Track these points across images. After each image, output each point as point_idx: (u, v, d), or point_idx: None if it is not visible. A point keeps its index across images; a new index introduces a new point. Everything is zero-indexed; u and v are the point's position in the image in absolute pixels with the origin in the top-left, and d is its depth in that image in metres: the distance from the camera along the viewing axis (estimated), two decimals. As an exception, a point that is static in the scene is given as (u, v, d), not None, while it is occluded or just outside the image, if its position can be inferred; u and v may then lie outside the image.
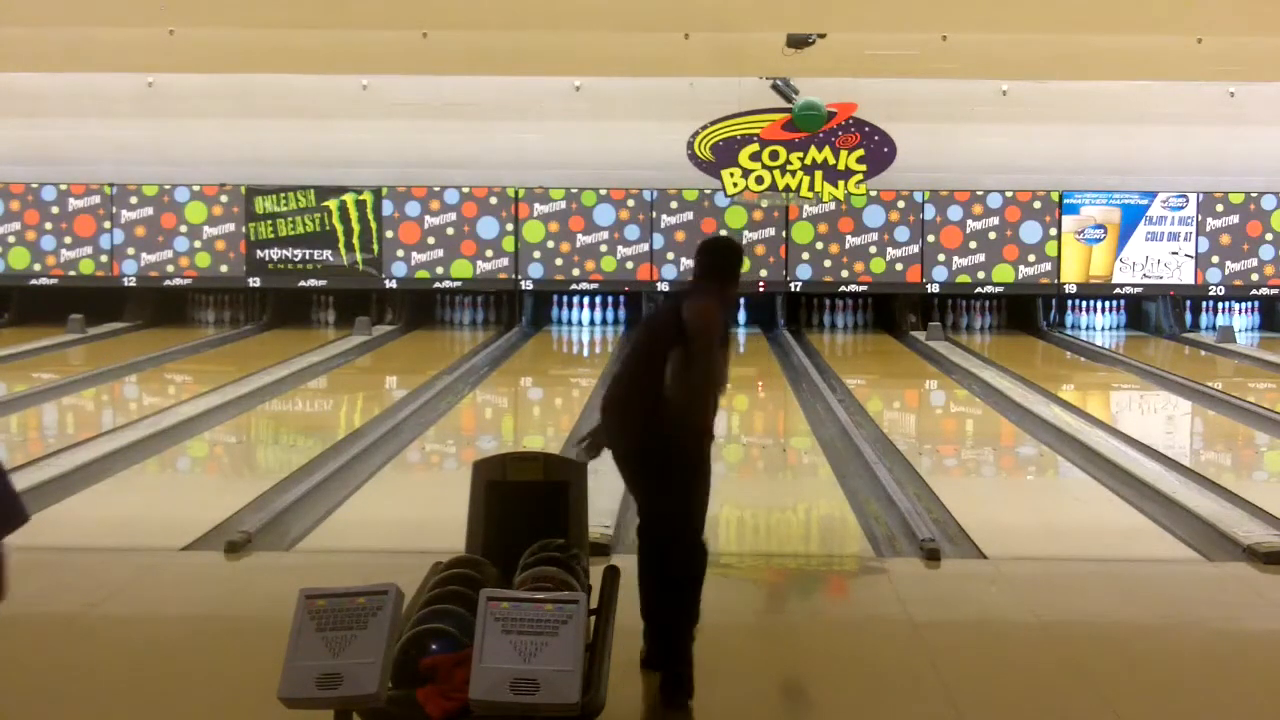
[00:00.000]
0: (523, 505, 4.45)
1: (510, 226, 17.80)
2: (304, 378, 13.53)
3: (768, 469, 9.76)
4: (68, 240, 17.92)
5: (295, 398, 12.61)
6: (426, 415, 11.04)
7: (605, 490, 7.63)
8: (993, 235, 17.78)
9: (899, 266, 17.81)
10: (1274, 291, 17.92)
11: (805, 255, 17.80)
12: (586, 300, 18.23)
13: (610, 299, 18.20)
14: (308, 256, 17.72)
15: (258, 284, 17.82)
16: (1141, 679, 5.06)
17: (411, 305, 18.06)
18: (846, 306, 18.34)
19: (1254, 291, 17.95)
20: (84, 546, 6.96)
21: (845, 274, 17.79)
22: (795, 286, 17.83)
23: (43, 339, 16.07)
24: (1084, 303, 18.48)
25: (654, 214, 17.74)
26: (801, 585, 6.71)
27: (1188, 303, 18.42)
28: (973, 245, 17.78)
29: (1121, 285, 17.85)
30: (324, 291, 18.13)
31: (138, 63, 15.92)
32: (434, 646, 3.46)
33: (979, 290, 17.95)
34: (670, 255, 17.56)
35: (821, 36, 13.56)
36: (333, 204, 17.72)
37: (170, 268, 17.89)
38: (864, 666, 5.16)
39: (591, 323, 18.25)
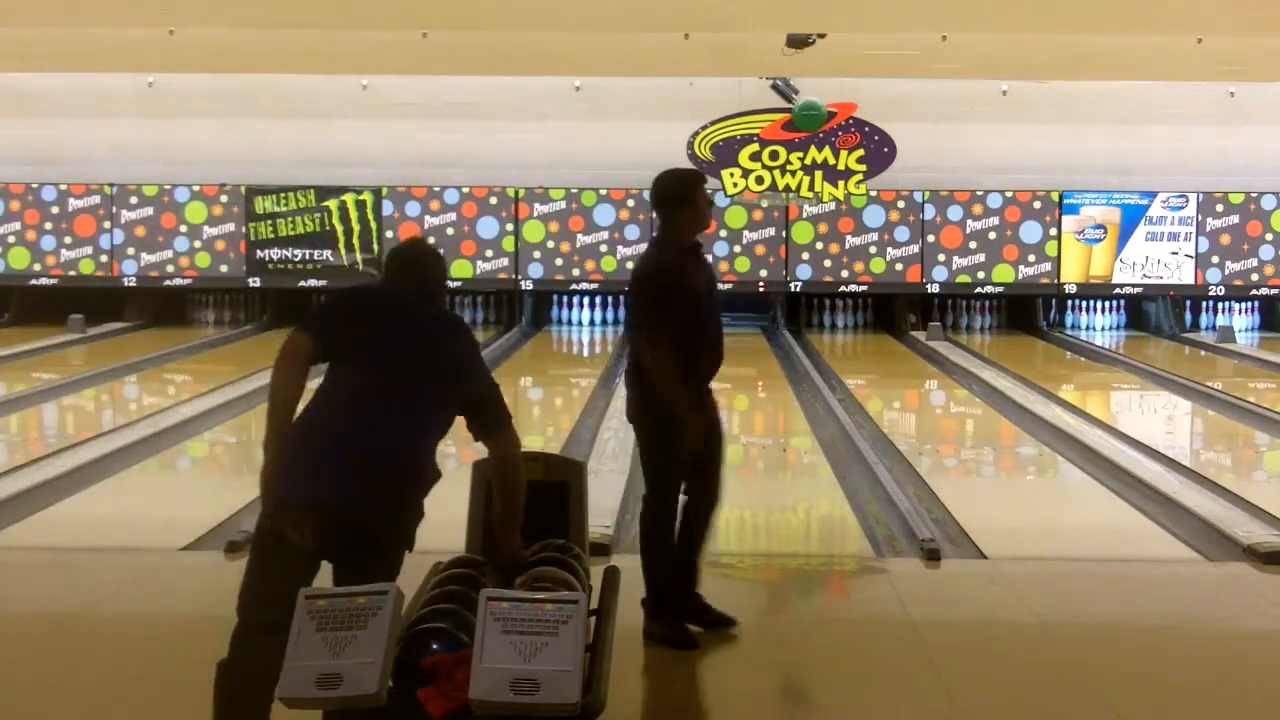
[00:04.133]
0: (523, 505, 4.44)
1: (510, 226, 17.81)
2: (304, 378, 13.50)
3: (768, 469, 9.77)
4: (68, 240, 17.92)
5: (295, 398, 12.59)
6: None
7: (605, 490, 7.65)
8: (993, 235, 17.79)
9: (899, 266, 17.81)
10: (1274, 291, 17.92)
11: (805, 255, 17.80)
12: (586, 300, 18.24)
13: (610, 299, 18.19)
14: (308, 257, 17.72)
15: (258, 284, 17.83)
16: (1141, 679, 5.06)
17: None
18: (846, 306, 18.34)
19: (1254, 292, 17.95)
20: (84, 547, 6.96)
21: (845, 274, 17.79)
22: (795, 286, 17.84)
23: (43, 339, 16.08)
24: (1084, 303, 18.47)
25: (654, 214, 17.70)
26: (801, 585, 6.71)
27: (1188, 303, 18.42)
28: (973, 245, 17.79)
29: (1121, 285, 17.85)
30: (324, 291, 18.10)
31: (138, 63, 15.92)
32: (434, 646, 3.46)
33: (979, 290, 17.95)
34: (670, 255, 17.55)
35: (821, 36, 13.56)
36: (333, 204, 17.73)
37: (170, 268, 17.89)
38: (864, 666, 5.16)
39: (591, 323, 18.24)
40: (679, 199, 5.32)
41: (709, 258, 6.30)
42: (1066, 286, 17.84)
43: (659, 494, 5.28)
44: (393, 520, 3.79)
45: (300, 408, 3.93)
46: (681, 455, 5.16)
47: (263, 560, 3.75)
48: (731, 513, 8.10)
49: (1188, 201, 17.69)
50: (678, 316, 5.12)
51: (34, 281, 17.93)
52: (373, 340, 3.96)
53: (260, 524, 3.82)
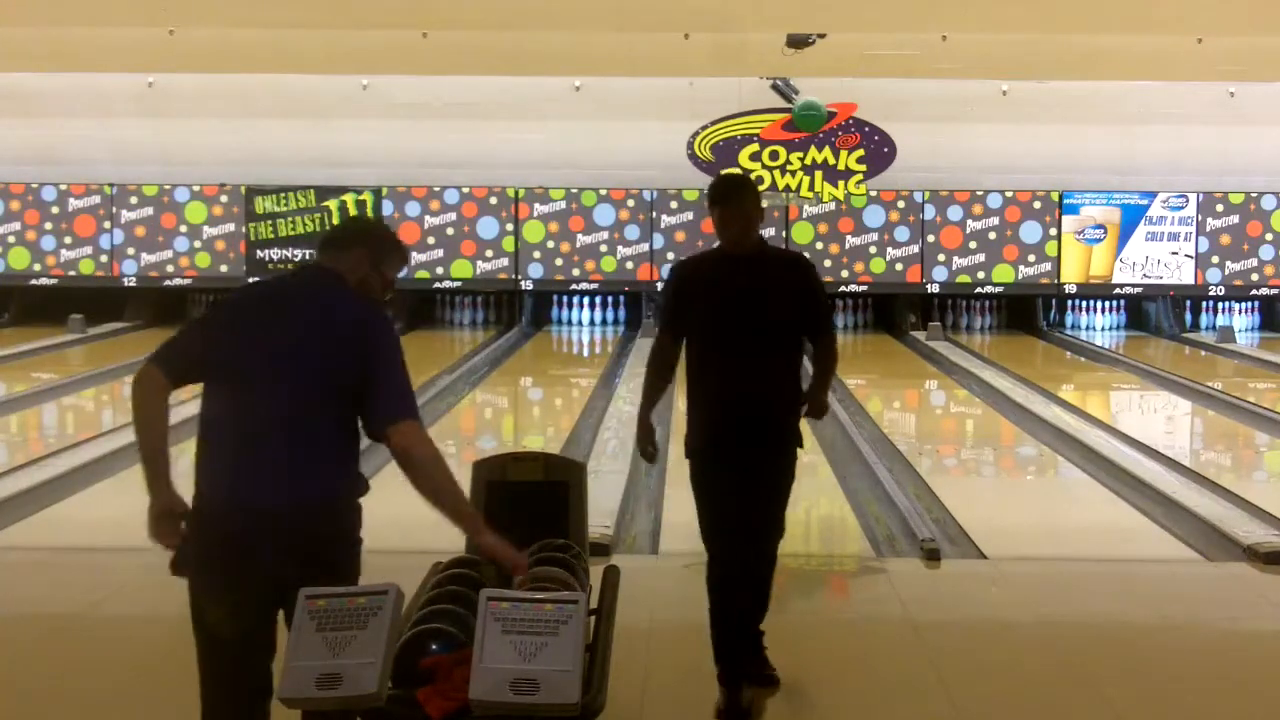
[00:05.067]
0: (523, 505, 4.44)
1: (510, 226, 17.81)
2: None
3: (768, 469, 9.74)
4: (68, 240, 17.93)
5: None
6: (427, 415, 10.94)
7: (605, 490, 7.65)
8: (993, 235, 17.79)
9: (899, 266, 17.81)
10: (1274, 291, 17.92)
11: (806, 255, 17.76)
12: (586, 300, 18.24)
13: (610, 299, 18.21)
14: (308, 257, 17.72)
15: (258, 284, 17.81)
16: (1141, 679, 5.06)
17: (411, 305, 18.06)
18: (847, 306, 18.34)
19: (1254, 292, 17.96)
20: (84, 546, 6.96)
21: (845, 274, 17.79)
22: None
23: (43, 339, 16.08)
24: (1084, 303, 18.48)
25: (654, 214, 17.75)
26: (801, 585, 6.70)
27: (1188, 303, 18.43)
28: (973, 245, 17.79)
29: (1121, 285, 17.86)
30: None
31: (138, 63, 15.93)
32: (434, 646, 3.46)
33: (979, 290, 17.95)
34: (670, 255, 17.55)
35: (821, 36, 13.58)
36: (333, 204, 17.73)
37: (170, 268, 17.90)
38: (863, 666, 5.16)
39: (591, 323, 18.25)
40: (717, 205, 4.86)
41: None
42: (1066, 286, 17.85)
43: (701, 532, 4.87)
44: (323, 570, 3.33)
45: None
46: (703, 487, 4.80)
47: (203, 659, 3.46)
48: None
49: (1188, 201, 17.70)
50: (686, 318, 4.86)
51: (34, 281, 17.94)
52: (251, 354, 3.41)
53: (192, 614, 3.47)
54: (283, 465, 3.35)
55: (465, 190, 17.78)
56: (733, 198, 4.82)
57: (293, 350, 3.39)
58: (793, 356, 4.91)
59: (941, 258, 17.79)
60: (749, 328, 4.75)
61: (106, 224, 17.91)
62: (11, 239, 17.94)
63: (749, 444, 4.79)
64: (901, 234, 17.79)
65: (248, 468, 3.36)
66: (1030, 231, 17.77)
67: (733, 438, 4.78)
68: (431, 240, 17.74)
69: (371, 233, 3.74)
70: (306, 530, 3.34)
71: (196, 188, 17.83)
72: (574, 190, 17.77)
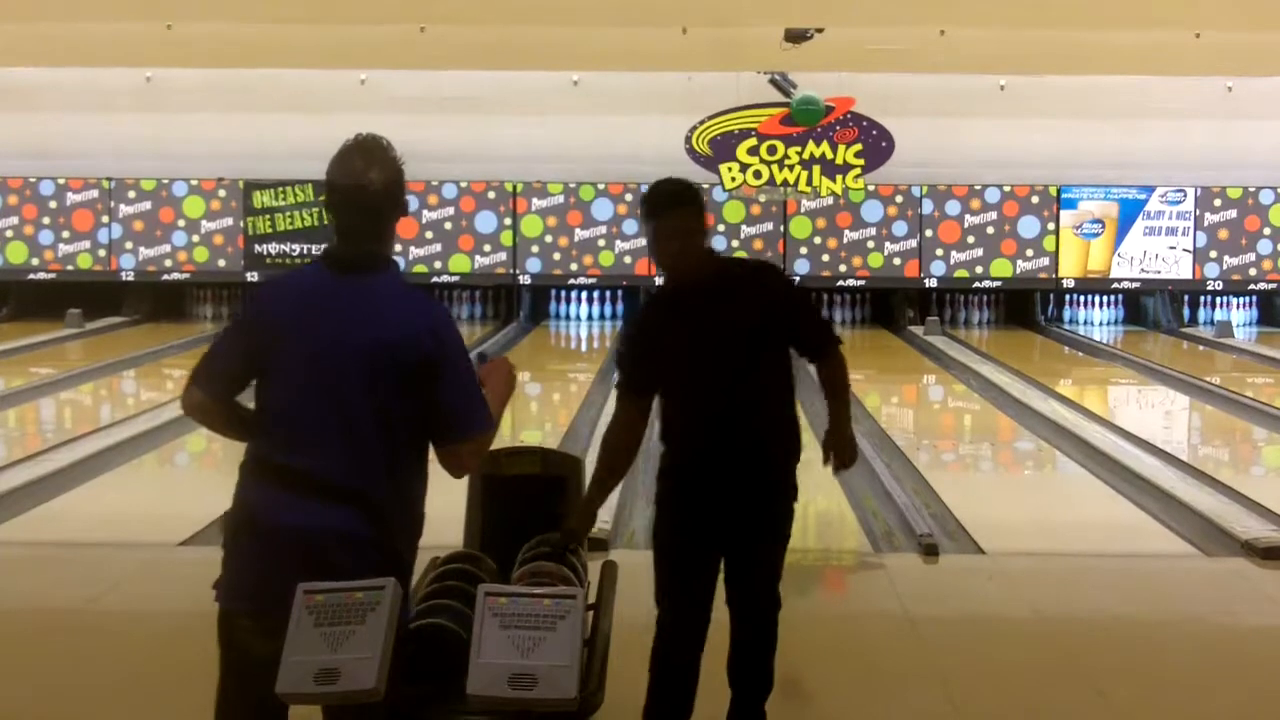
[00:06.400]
0: (520, 500, 4.45)
1: (508, 221, 17.80)
2: (302, 372, 13.49)
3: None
4: (65, 235, 17.91)
5: (293, 392, 12.57)
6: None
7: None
8: (991, 230, 17.79)
9: (897, 261, 17.81)
10: (1272, 286, 17.92)
11: (803, 250, 17.79)
12: (584, 295, 18.23)
13: (608, 294, 18.20)
14: (306, 251, 17.70)
15: (255, 278, 17.80)
16: (1139, 674, 5.07)
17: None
18: (844, 301, 18.34)
19: (1252, 286, 17.96)
20: (83, 542, 6.96)
21: (843, 269, 17.79)
22: (793, 281, 17.82)
23: (40, 334, 16.06)
24: (1082, 297, 18.48)
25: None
26: (799, 581, 6.70)
27: (1186, 297, 18.42)
28: (971, 240, 17.79)
29: (1119, 280, 17.86)
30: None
31: (136, 57, 15.91)
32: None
33: (977, 285, 17.95)
34: (668, 250, 17.53)
35: (819, 31, 13.56)
36: (331, 198, 17.71)
37: (168, 262, 17.88)
38: (861, 662, 5.17)
39: (590, 317, 18.24)
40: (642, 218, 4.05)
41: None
42: (1064, 281, 17.85)
43: (655, 590, 4.13)
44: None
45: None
46: (668, 532, 4.12)
47: (226, 676, 3.25)
48: (729, 508, 8.09)
49: (1186, 196, 17.69)
50: (650, 374, 4.08)
51: (32, 276, 17.91)
52: (282, 357, 3.15)
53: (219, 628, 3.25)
54: (294, 487, 3.16)
55: (463, 184, 17.77)
56: (659, 211, 3.95)
57: (330, 355, 3.11)
58: (784, 390, 4.20)
59: (939, 252, 17.79)
60: (727, 367, 3.98)
61: (104, 218, 17.89)
62: (9, 233, 17.92)
63: (734, 494, 4.14)
64: (899, 228, 17.79)
65: (266, 481, 3.22)
66: (1028, 226, 17.77)
67: (712, 488, 4.09)
68: (429, 234, 17.72)
69: (399, 198, 3.38)
70: (305, 561, 3.09)
71: (194, 182, 17.81)
72: (572, 185, 17.77)
